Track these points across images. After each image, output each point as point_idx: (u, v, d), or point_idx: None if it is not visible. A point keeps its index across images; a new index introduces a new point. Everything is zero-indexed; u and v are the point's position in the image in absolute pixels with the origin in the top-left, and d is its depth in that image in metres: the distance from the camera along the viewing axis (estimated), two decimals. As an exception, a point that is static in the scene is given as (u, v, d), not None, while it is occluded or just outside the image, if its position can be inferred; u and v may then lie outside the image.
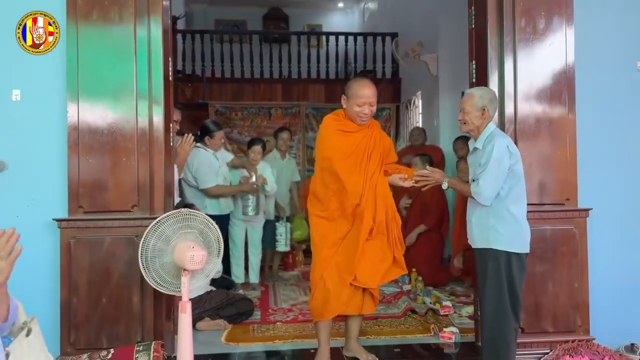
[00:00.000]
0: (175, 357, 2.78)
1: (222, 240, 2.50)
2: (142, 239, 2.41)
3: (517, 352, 2.67)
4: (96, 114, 2.76)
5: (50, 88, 2.79)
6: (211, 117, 7.66)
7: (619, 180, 3.11)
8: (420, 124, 6.85)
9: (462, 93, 3.38)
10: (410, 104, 7.54)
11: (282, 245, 4.87)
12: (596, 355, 2.81)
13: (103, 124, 2.75)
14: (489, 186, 2.52)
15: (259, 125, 8.06)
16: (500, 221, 2.56)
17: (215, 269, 2.55)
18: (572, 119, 3.02)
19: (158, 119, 2.83)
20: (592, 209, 2.97)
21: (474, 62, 3.21)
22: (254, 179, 4.32)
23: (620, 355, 2.89)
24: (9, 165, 2.76)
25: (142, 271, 2.40)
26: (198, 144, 3.97)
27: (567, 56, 3.04)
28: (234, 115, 8.01)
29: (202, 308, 3.55)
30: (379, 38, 8.31)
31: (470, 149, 2.79)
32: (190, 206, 3.40)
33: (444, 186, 2.76)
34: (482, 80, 3.12)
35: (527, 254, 2.61)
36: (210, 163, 4.13)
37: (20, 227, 1.48)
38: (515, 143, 2.80)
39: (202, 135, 4.09)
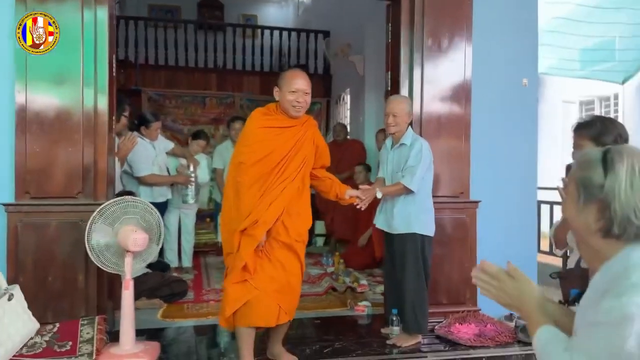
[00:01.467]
0: (115, 331, 3.05)
1: (162, 226, 2.81)
2: (89, 222, 2.67)
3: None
4: (44, 102, 2.95)
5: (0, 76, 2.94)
6: (144, 104, 7.74)
7: (504, 177, 3.72)
8: (348, 119, 7.35)
9: (386, 96, 3.82)
10: (340, 100, 8.01)
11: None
12: (481, 322, 3.40)
13: (51, 113, 2.95)
14: (420, 177, 3.05)
15: (194, 113, 8.22)
16: (419, 209, 3.11)
17: (155, 252, 2.85)
18: (468, 123, 3.58)
19: (103, 107, 3.05)
20: (481, 201, 3.54)
21: (389, 72, 3.69)
22: (192, 169, 4.58)
23: (501, 322, 3.50)
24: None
25: (89, 252, 2.66)
26: (134, 133, 4.16)
27: (465, 70, 3.59)
28: (167, 102, 8.12)
29: (139, 288, 3.79)
30: (312, 35, 8.70)
31: (388, 146, 3.27)
32: (130, 193, 3.64)
33: (379, 196, 3.10)
34: (395, 87, 3.61)
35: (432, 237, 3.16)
36: (146, 152, 4.32)
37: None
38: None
39: (139, 124, 4.28)
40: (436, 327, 3.35)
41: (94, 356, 2.71)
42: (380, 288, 4.39)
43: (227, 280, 2.65)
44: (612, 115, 9.00)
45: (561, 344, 1.14)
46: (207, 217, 6.61)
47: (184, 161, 4.66)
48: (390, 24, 3.74)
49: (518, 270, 1.27)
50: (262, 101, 8.21)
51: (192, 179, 4.55)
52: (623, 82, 8.44)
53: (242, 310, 2.58)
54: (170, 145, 4.68)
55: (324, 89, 8.64)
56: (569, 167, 6.95)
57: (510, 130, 3.74)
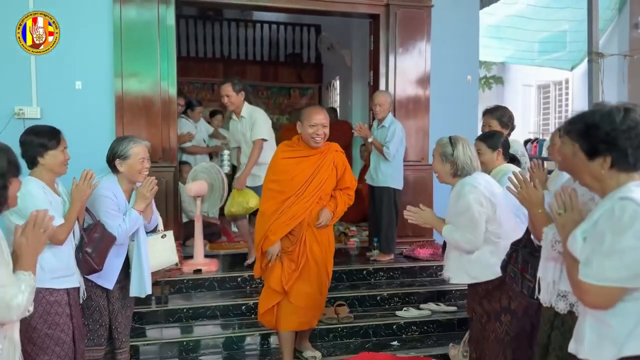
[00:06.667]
0: (184, 257, 4.44)
1: (224, 181, 4.19)
2: (189, 178, 4.10)
3: (391, 247, 4.67)
4: (134, 94, 4.27)
5: (102, 76, 4.24)
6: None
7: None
8: (338, 103, 8.72)
9: (369, 88, 5.20)
10: (330, 86, 9.36)
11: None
12: (435, 247, 4.85)
13: (139, 102, 4.28)
14: (393, 150, 4.46)
15: (203, 98, 9.50)
16: (393, 171, 4.55)
17: (220, 199, 4.25)
18: (427, 107, 5.01)
19: (173, 96, 4.40)
20: (436, 163, 4.97)
21: (371, 71, 5.08)
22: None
23: (450, 249, 4.95)
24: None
25: (186, 197, 4.11)
26: (182, 115, 5.47)
27: (425, 68, 5.00)
28: (182, 89, 9.38)
29: (190, 229, 5.19)
30: (304, 28, 9.98)
31: (374, 126, 4.66)
32: (186, 163, 5.03)
33: (370, 140, 4.54)
34: (376, 82, 5.01)
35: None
36: (187, 129, 5.66)
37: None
38: (394, 122, 4.72)
39: (187, 108, 5.61)
40: (404, 251, 4.81)
41: (179, 265, 4.13)
42: (365, 233, 5.84)
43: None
44: (563, 96, 10.50)
45: (455, 230, 2.57)
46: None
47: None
48: (372, 35, 5.10)
49: (426, 208, 2.68)
50: (262, 87, 9.58)
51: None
52: (572, 69, 9.87)
53: (282, 317, 3.08)
54: (211, 129, 6.02)
55: (315, 76, 9.99)
56: (526, 142, 8.47)
57: (457, 112, 5.16)
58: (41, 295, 2.20)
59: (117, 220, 2.61)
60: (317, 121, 2.99)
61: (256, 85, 9.57)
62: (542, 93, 11.15)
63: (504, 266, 2.35)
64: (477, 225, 2.50)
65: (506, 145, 3.02)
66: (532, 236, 2.17)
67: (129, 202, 2.74)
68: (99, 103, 4.28)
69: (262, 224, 3.04)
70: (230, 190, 4.31)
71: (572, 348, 1.68)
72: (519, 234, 2.59)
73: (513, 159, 3.07)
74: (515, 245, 2.32)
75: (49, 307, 2.27)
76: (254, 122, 4.13)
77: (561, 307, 1.95)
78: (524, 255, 2.25)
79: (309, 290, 3.07)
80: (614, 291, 1.49)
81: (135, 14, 4.24)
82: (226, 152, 5.89)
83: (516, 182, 2.06)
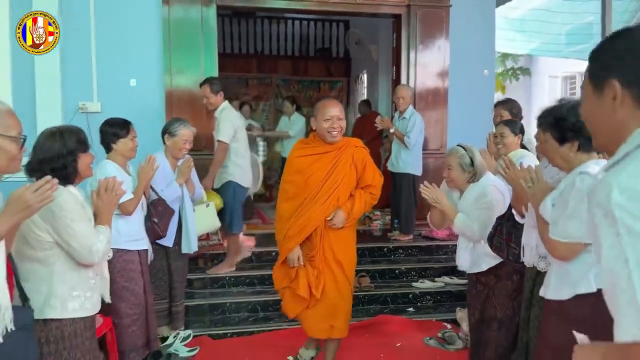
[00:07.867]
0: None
1: (261, 168, 4.71)
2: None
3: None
4: (182, 89, 4.83)
5: (153, 74, 4.81)
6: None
7: (468, 136, 5.50)
8: (365, 96, 9.13)
9: (392, 82, 5.64)
10: (358, 79, 9.78)
11: None
12: (451, 229, 5.26)
13: (185, 97, 4.84)
14: (415, 138, 4.88)
15: (238, 92, 10.05)
16: (413, 158, 4.98)
17: (259, 182, 4.77)
18: (446, 100, 5.41)
19: (214, 88, 4.92)
20: (454, 151, 5.37)
21: (394, 66, 5.50)
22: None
23: (467, 231, 5.36)
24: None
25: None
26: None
27: (444, 63, 5.39)
28: (217, 83, 9.96)
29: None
30: (334, 24, 10.41)
31: (396, 117, 5.10)
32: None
33: (391, 130, 4.98)
34: (398, 76, 5.44)
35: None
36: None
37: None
38: (414, 114, 5.15)
39: None
40: (422, 232, 5.25)
41: (222, 241, 4.68)
42: (388, 217, 6.28)
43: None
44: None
45: (470, 220, 2.90)
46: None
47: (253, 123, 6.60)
48: (394, 33, 5.52)
49: (439, 189, 3.01)
50: (294, 81, 10.06)
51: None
52: (597, 60, 9.95)
53: (304, 324, 2.99)
54: (247, 122, 6.56)
55: (344, 69, 10.41)
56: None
57: (473, 104, 5.54)
58: (119, 254, 2.76)
59: (161, 187, 3.32)
60: (332, 114, 2.80)
61: (287, 79, 10.08)
62: (569, 84, 11.28)
63: (491, 238, 2.73)
64: (493, 221, 2.74)
65: (523, 132, 3.38)
66: (513, 211, 2.58)
67: (174, 172, 3.47)
68: (151, 98, 4.86)
69: (280, 228, 2.91)
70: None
71: (542, 292, 2.12)
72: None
73: (523, 146, 3.44)
74: (500, 220, 2.72)
75: (125, 264, 2.84)
76: (218, 123, 4.10)
77: (542, 266, 2.38)
78: (507, 227, 2.65)
79: (327, 292, 2.88)
80: (576, 246, 1.92)
81: (182, 15, 4.79)
82: (261, 142, 6.44)
83: (504, 165, 2.48)
